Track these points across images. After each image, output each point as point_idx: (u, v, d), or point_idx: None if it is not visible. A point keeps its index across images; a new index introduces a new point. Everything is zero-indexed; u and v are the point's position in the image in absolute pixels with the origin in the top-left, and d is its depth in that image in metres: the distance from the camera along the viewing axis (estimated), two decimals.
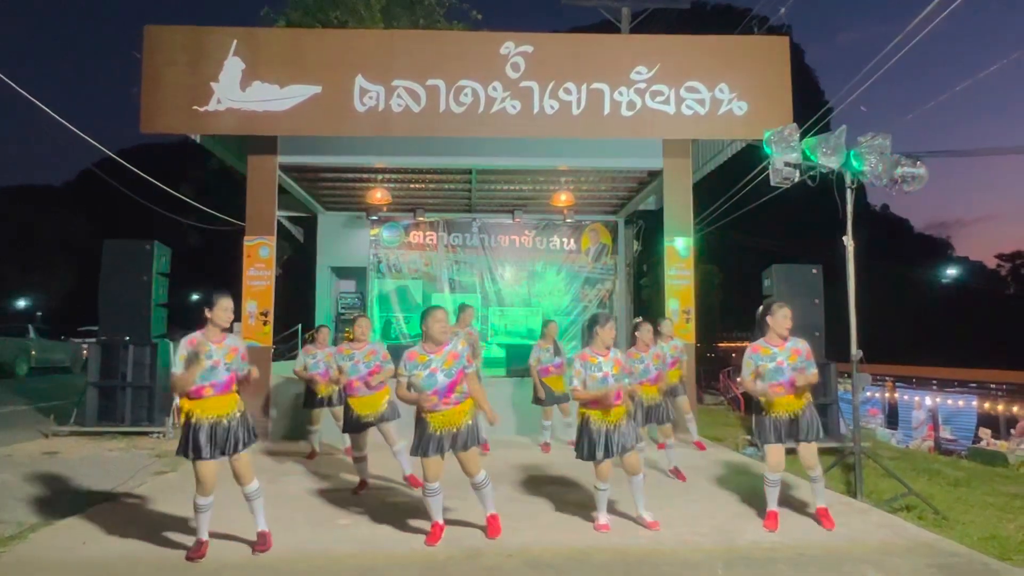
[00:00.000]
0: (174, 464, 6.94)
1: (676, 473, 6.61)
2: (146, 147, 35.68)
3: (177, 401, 8.85)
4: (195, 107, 8.65)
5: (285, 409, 9.10)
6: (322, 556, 4.33)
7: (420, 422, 4.54)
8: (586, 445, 4.77)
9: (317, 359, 7.54)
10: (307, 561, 4.24)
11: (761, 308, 5.10)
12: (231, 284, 9.17)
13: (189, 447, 4.14)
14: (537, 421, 8.37)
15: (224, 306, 4.27)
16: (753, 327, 5.13)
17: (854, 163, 6.15)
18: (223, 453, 4.19)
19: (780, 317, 4.96)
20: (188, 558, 4.17)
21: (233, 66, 8.67)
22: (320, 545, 4.55)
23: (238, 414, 4.29)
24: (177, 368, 4.12)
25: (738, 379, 4.97)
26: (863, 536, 4.82)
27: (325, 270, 14.28)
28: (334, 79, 8.77)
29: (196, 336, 4.21)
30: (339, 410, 7.04)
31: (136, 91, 8.79)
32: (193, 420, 4.15)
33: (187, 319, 4.36)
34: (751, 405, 5.86)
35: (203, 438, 4.13)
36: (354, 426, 5.92)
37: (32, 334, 19.02)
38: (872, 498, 5.86)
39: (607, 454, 4.72)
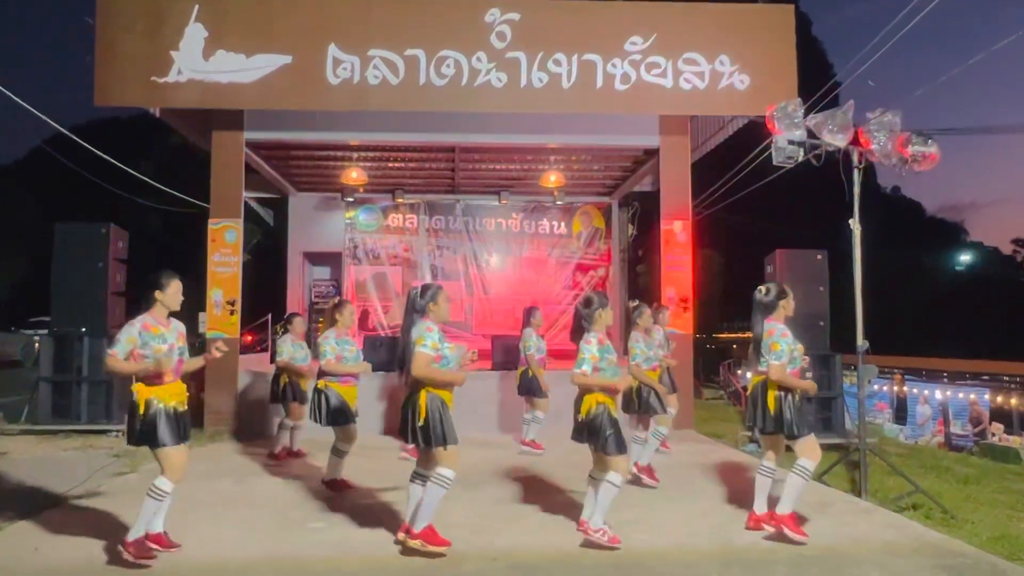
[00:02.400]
0: (133, 464, 6.91)
1: (648, 473, 6.41)
2: (101, 122, 35.26)
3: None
4: (153, 78, 8.54)
5: (253, 405, 9.07)
6: (292, 560, 4.34)
7: (444, 406, 4.36)
8: (614, 438, 4.49)
9: (305, 349, 7.47)
10: (275, 566, 4.25)
11: (773, 288, 4.97)
12: (194, 270, 9.11)
13: (157, 435, 4.10)
14: (518, 416, 8.34)
15: (177, 288, 4.32)
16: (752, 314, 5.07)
17: (862, 141, 6.18)
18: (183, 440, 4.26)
19: (792, 301, 5.00)
20: (140, 556, 4.14)
21: (195, 33, 8.56)
22: (291, 549, 4.56)
23: (185, 402, 4.33)
24: (119, 348, 4.08)
25: (772, 363, 4.77)
26: (867, 536, 4.90)
27: (297, 256, 14.21)
28: (305, 48, 8.69)
29: (148, 321, 4.21)
30: (302, 407, 7.07)
31: (90, 60, 8.67)
32: (154, 407, 4.13)
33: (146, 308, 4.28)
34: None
35: (170, 424, 4.15)
36: (349, 417, 5.99)
37: None
38: (877, 497, 5.94)
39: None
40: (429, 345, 4.25)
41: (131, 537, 4.22)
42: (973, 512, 5.59)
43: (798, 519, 4.83)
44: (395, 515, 5.16)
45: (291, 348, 7.39)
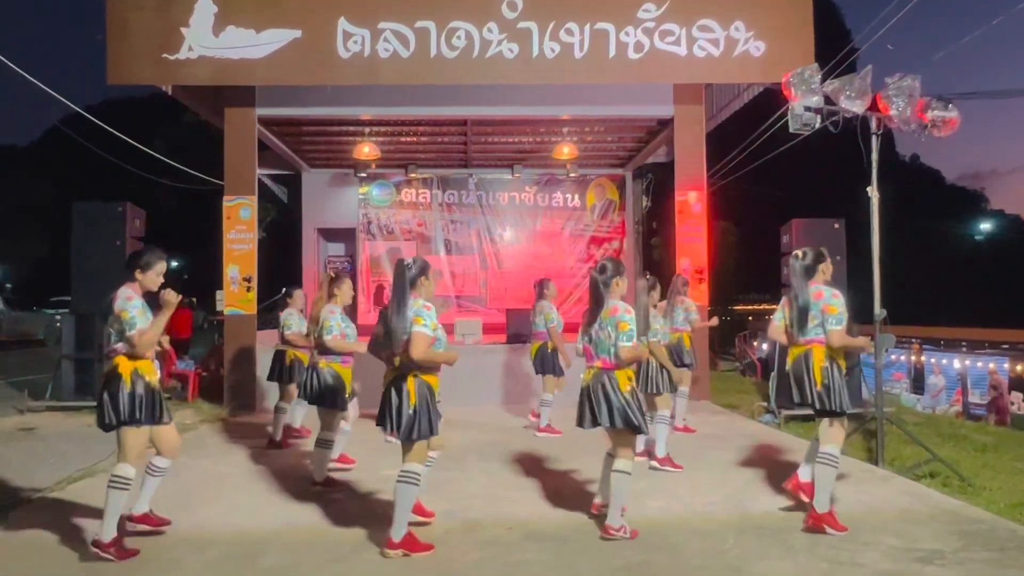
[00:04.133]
0: None
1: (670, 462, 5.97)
2: (115, 102, 35.40)
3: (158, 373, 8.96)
4: (165, 55, 8.52)
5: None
6: (310, 531, 4.42)
7: (432, 393, 4.08)
8: (641, 414, 4.26)
9: (304, 323, 6.95)
10: (294, 534, 4.32)
11: (810, 252, 4.68)
12: (211, 247, 9.18)
13: (150, 410, 3.97)
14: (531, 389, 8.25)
15: (161, 270, 4.16)
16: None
17: (880, 107, 6.07)
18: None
19: (831, 264, 4.73)
20: (124, 556, 3.91)
21: (204, 9, 8.51)
22: (309, 518, 4.63)
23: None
24: (141, 325, 3.95)
25: (833, 328, 4.41)
26: (883, 504, 4.90)
27: (311, 232, 14.25)
28: (315, 22, 8.62)
29: (134, 291, 4.07)
30: (293, 387, 6.64)
31: (101, 39, 8.66)
32: (144, 381, 4.00)
33: (164, 286, 4.22)
34: (772, 368, 5.65)
35: (158, 400, 4.04)
36: (345, 401, 5.57)
37: (1, 305, 19.11)
38: (894, 465, 5.94)
39: None
40: (429, 325, 3.92)
41: (137, 512, 4.21)
42: (991, 480, 5.56)
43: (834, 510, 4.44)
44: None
45: (299, 321, 7.03)
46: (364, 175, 13.06)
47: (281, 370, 6.99)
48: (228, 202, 9.43)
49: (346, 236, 14.37)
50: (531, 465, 6.06)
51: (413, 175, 13.40)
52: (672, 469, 5.82)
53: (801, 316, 4.54)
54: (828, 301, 4.45)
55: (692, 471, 5.81)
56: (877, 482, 5.47)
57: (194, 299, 17.77)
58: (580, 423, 4.35)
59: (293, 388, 6.77)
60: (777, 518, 4.62)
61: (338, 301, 5.65)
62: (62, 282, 9.73)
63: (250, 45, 8.54)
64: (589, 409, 4.28)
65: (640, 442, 5.41)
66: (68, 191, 27.55)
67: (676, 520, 4.57)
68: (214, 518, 4.64)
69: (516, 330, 9.84)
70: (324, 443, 5.38)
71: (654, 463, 5.86)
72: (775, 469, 5.79)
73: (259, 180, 10.15)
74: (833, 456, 4.40)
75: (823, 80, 6.17)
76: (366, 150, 12.01)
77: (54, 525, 4.46)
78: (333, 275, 5.90)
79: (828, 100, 6.11)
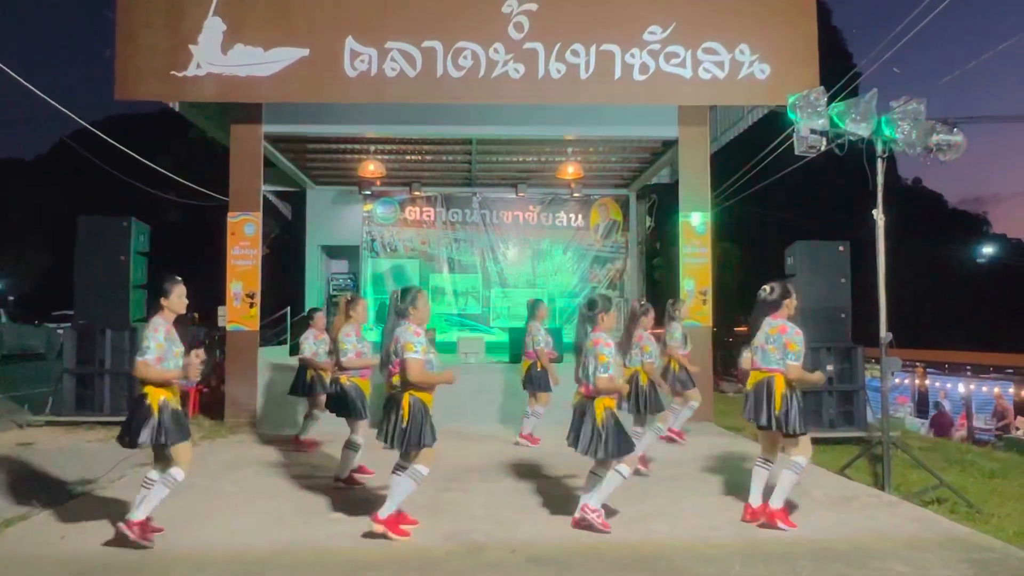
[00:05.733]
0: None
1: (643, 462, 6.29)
2: (122, 117, 35.55)
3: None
4: (173, 72, 8.58)
5: (274, 397, 9.12)
6: (312, 552, 4.36)
7: (426, 409, 4.48)
8: (622, 439, 4.62)
9: (327, 344, 7.48)
10: (294, 556, 4.27)
11: (777, 287, 4.97)
12: (215, 264, 9.17)
13: (176, 432, 4.31)
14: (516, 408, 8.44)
15: (181, 292, 4.52)
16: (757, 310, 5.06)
17: (886, 130, 6.08)
18: None
19: (796, 299, 5.00)
20: (142, 537, 4.28)
21: (213, 27, 8.59)
22: (310, 539, 4.57)
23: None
24: (151, 356, 4.26)
25: (791, 363, 4.75)
26: (891, 530, 4.83)
27: (315, 249, 14.27)
28: (323, 41, 8.69)
29: (167, 326, 4.40)
30: (323, 396, 7.10)
31: (110, 55, 8.73)
32: (169, 407, 4.33)
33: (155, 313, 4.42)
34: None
35: (182, 422, 4.40)
36: (364, 410, 6.06)
37: (3, 319, 19.07)
38: (901, 491, 5.87)
39: None
40: (420, 350, 4.39)
41: (135, 518, 4.35)
42: (999, 507, 5.51)
43: (789, 510, 4.93)
44: (420, 508, 5.16)
45: (312, 344, 7.61)
46: (368, 193, 13.09)
47: (302, 385, 7.64)
48: (232, 218, 9.44)
49: (350, 253, 14.38)
50: (532, 484, 5.99)
51: (417, 193, 13.43)
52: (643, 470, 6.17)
53: (759, 342, 4.93)
54: (791, 337, 4.77)
55: (696, 493, 5.75)
56: (884, 508, 5.39)
57: (196, 315, 17.77)
58: (568, 441, 4.76)
59: (320, 398, 7.30)
60: (784, 543, 4.55)
61: (354, 322, 6.13)
62: (65, 296, 9.72)
63: (258, 63, 8.60)
64: (575, 432, 4.69)
65: (640, 447, 5.88)
66: (73, 205, 27.67)
67: (681, 545, 4.51)
68: (213, 537, 4.59)
69: (519, 349, 9.78)
70: (352, 445, 5.95)
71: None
72: None
73: (263, 196, 10.17)
74: (800, 466, 4.82)
75: (828, 103, 6.19)
76: (371, 168, 12.05)
77: (49, 544, 4.40)
78: (349, 297, 6.37)
79: (833, 123, 6.13)
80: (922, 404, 14.14)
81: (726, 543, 4.55)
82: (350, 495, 5.65)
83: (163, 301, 4.44)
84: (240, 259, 9.40)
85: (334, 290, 14.61)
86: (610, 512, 4.95)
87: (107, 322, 8.76)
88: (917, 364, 15.35)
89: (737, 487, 6.01)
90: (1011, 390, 12.79)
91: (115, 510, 5.12)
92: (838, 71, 12.39)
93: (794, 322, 4.91)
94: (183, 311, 4.53)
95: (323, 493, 5.74)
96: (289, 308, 13.67)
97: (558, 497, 5.61)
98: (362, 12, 8.80)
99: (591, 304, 4.82)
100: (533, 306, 8.06)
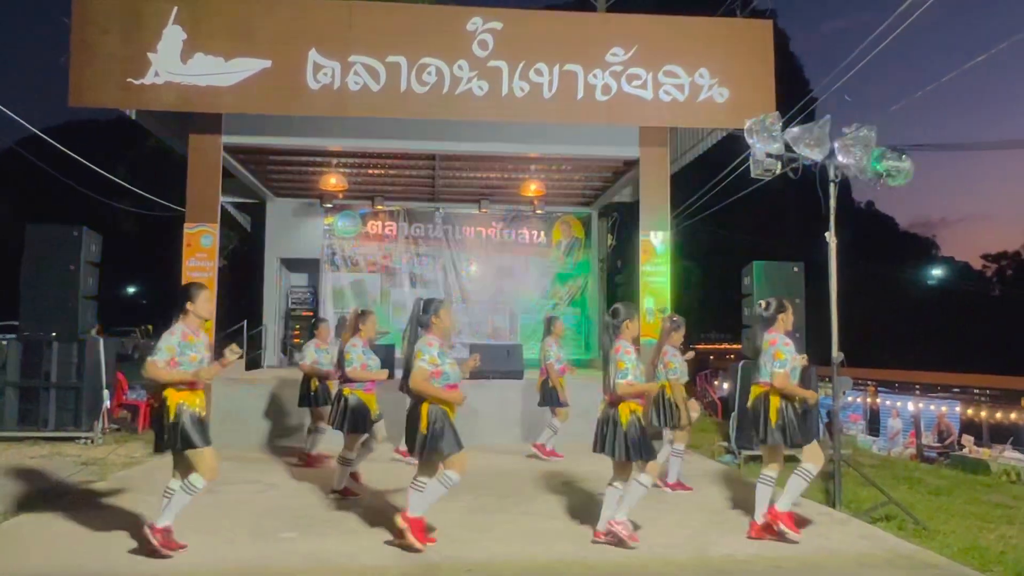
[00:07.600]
0: (102, 473, 6.77)
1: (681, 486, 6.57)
2: (76, 124, 34.67)
3: (108, 403, 8.64)
4: (130, 80, 8.41)
5: (225, 414, 8.88)
6: (261, 571, 4.26)
7: (447, 417, 4.55)
8: (645, 443, 4.71)
9: (330, 354, 7.47)
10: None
11: (773, 302, 5.23)
12: (169, 275, 8.97)
13: (191, 437, 4.31)
14: (497, 425, 8.53)
15: (206, 297, 4.59)
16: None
17: (838, 156, 6.25)
18: None
19: (791, 315, 5.23)
20: (165, 545, 4.30)
21: (173, 35, 8.45)
22: (260, 559, 4.46)
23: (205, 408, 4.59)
24: (160, 357, 4.28)
25: (776, 371, 4.94)
26: (841, 547, 4.92)
27: (274, 262, 14.03)
28: (285, 53, 8.62)
29: (185, 331, 4.41)
30: (326, 409, 7.12)
31: (65, 61, 8.53)
32: (186, 412, 4.33)
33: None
34: (733, 408, 5.89)
35: (200, 427, 4.39)
36: (367, 424, 6.07)
37: None
38: (851, 508, 5.98)
39: None
40: (427, 360, 4.45)
41: (160, 524, 4.35)
42: (945, 523, 5.64)
43: (796, 520, 5.04)
44: (370, 525, 5.09)
45: (314, 353, 7.61)
46: (330, 206, 12.95)
47: (307, 396, 7.63)
48: (189, 229, 9.26)
49: (309, 267, 14.17)
50: (495, 503, 5.95)
51: (380, 207, 13.34)
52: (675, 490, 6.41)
53: (755, 360, 5.15)
54: (779, 348, 4.97)
55: (652, 511, 5.76)
56: (835, 525, 5.49)
57: (150, 327, 17.32)
58: (594, 448, 4.83)
59: (323, 411, 7.34)
60: (738, 560, 4.60)
61: (363, 335, 6.25)
62: (10, 306, 9.39)
63: (218, 73, 8.49)
64: (600, 438, 4.77)
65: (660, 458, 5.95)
66: (24, 213, 26.82)
67: (639, 562, 4.52)
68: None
69: (480, 365, 9.75)
70: (344, 461, 6.03)
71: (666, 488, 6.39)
72: (735, 510, 5.80)
73: (222, 207, 10.00)
74: (810, 473, 4.95)
75: (783, 128, 6.36)
76: (333, 181, 11.94)
77: None
78: (360, 311, 6.52)
79: (788, 147, 6.29)
80: (873, 422, 14.46)
81: (683, 560, 4.58)
82: (305, 512, 5.54)
83: (188, 305, 4.46)
84: (196, 271, 9.20)
85: (293, 303, 14.40)
86: (573, 531, 4.95)
87: (55, 334, 8.50)
88: (869, 383, 15.72)
89: (693, 504, 6.07)
90: (958, 408, 13.15)
91: (58, 531, 4.95)
92: (796, 96, 12.75)
93: (789, 336, 5.13)
94: (208, 316, 4.63)
95: (277, 511, 5.62)
96: (245, 322, 13.41)
97: (518, 514, 5.58)
98: (326, 25, 8.76)
99: (615, 312, 4.89)
100: (549, 322, 8.25)
